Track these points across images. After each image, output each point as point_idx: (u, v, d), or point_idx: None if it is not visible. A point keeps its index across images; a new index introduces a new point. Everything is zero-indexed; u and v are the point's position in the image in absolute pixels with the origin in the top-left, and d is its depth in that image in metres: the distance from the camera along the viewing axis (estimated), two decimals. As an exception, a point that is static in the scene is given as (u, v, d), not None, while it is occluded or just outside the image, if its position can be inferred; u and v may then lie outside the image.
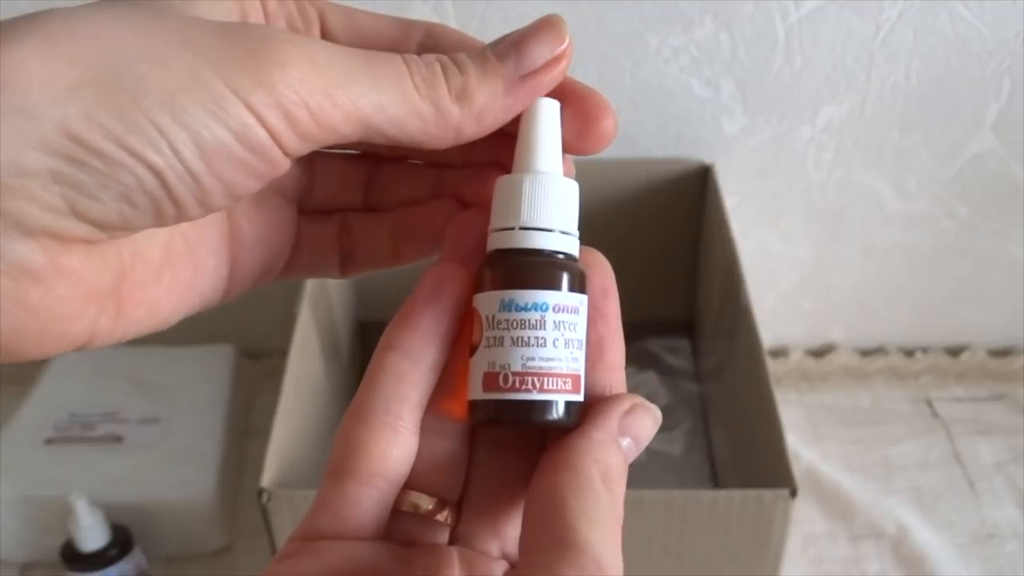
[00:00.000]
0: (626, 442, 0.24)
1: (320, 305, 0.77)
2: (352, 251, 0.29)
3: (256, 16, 0.25)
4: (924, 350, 0.97)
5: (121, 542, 0.71)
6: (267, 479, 0.58)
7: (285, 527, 0.58)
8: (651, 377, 0.90)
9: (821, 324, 0.97)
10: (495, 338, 0.24)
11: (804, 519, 0.80)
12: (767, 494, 0.57)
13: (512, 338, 0.24)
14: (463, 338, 0.25)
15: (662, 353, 0.93)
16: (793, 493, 0.57)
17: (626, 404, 0.25)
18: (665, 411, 0.94)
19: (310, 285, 0.74)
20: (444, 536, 0.26)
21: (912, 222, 0.89)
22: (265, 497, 0.57)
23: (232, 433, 0.83)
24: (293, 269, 0.29)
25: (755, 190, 0.87)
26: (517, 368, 0.24)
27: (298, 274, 0.29)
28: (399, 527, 0.25)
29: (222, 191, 0.22)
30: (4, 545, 0.76)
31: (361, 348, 0.94)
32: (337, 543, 0.24)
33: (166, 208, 0.21)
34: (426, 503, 0.25)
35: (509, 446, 0.26)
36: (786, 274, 0.93)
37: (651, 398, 0.26)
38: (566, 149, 0.26)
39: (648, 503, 0.57)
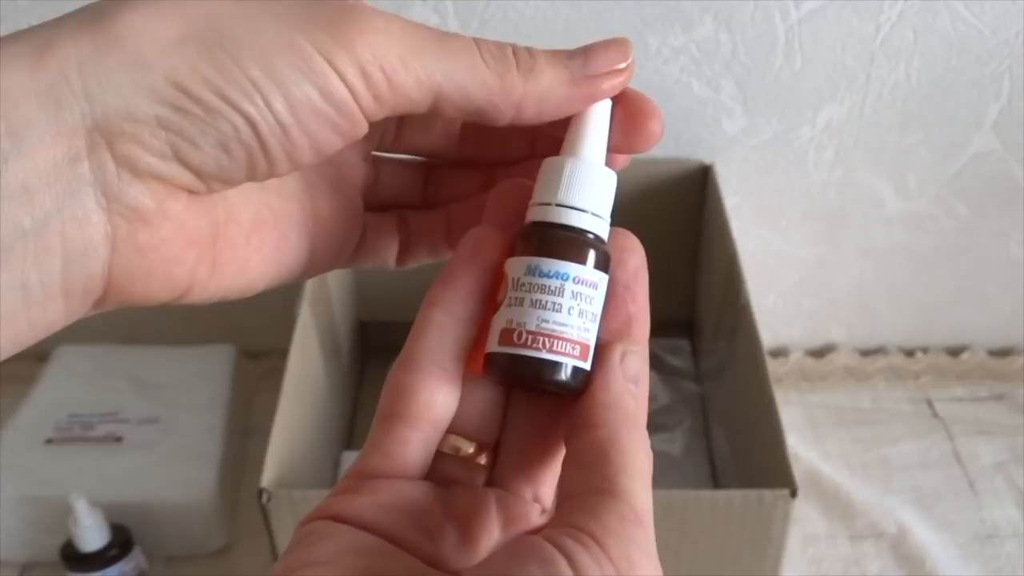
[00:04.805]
0: (632, 386, 0.26)
1: (320, 305, 0.77)
2: (409, 241, 0.32)
3: None
4: (924, 350, 0.97)
5: (121, 542, 0.71)
6: (267, 479, 0.58)
7: (285, 527, 0.58)
8: (651, 377, 0.90)
9: (821, 324, 0.97)
10: (517, 298, 0.26)
11: (804, 519, 0.80)
12: (767, 494, 0.58)
13: (532, 300, 0.26)
14: (493, 298, 0.27)
15: (662, 353, 0.93)
16: (793, 493, 0.57)
17: (618, 353, 0.27)
18: (665, 411, 0.94)
19: (310, 285, 0.74)
20: (481, 478, 0.28)
21: (912, 222, 0.89)
22: (265, 497, 0.57)
23: (232, 433, 0.83)
24: (359, 255, 0.31)
25: (755, 190, 0.87)
26: (532, 327, 0.26)
27: (362, 261, 0.32)
28: (440, 467, 0.27)
29: (308, 145, 0.24)
30: (4, 545, 0.76)
31: (361, 348, 0.94)
32: (389, 482, 0.26)
33: (258, 160, 0.24)
34: (466, 446, 0.27)
35: (542, 397, 0.28)
36: (786, 274, 0.93)
37: (651, 398, 0.27)
38: (616, 147, 0.28)
39: (648, 503, 0.57)
